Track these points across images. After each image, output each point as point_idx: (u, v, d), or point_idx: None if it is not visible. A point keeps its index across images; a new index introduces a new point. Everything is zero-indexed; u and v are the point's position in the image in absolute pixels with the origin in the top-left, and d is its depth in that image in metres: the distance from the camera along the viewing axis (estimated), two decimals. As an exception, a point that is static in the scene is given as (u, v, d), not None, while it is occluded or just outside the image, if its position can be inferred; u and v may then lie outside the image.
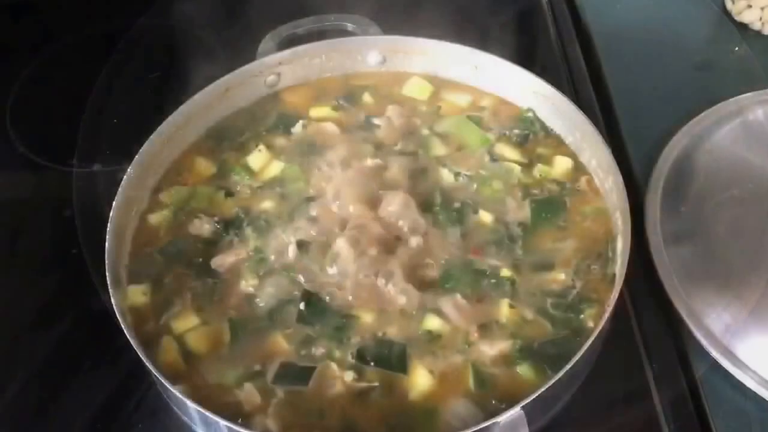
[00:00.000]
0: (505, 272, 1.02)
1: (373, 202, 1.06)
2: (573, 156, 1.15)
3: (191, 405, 0.89)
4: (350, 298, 1.00)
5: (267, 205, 1.11)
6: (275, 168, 1.16)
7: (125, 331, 0.94)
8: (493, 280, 1.02)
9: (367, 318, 0.99)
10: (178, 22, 1.53)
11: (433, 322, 0.98)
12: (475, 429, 0.85)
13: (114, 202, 1.04)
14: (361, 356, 0.96)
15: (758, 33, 1.47)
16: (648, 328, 1.10)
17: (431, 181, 1.13)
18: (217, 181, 1.16)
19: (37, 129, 1.39)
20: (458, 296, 1.00)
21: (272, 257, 1.05)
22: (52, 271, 1.19)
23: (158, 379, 0.91)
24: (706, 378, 1.04)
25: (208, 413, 0.87)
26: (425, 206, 1.08)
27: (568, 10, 1.54)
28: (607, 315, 0.94)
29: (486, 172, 1.14)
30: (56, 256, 1.21)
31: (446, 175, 1.13)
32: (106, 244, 1.00)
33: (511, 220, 1.08)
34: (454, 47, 1.23)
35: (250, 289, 1.03)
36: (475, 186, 1.12)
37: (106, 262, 0.99)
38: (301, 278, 1.02)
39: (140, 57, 1.51)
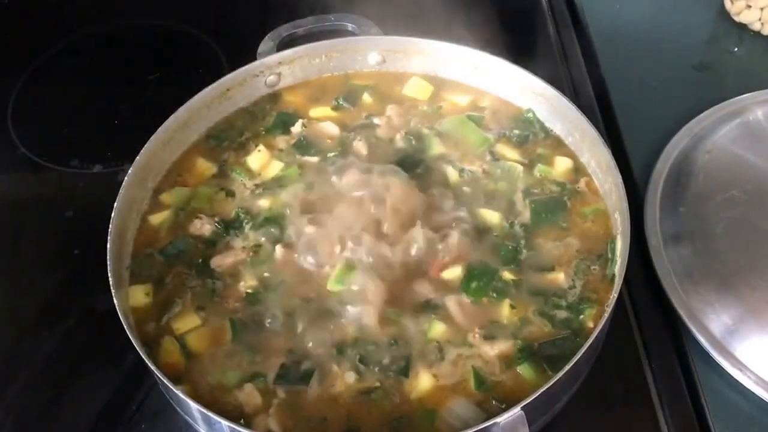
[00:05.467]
0: (506, 273, 1.03)
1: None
2: (573, 157, 1.16)
3: (193, 405, 0.89)
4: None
5: (267, 205, 1.11)
6: (275, 168, 1.16)
7: (127, 332, 0.94)
8: (494, 281, 1.02)
9: (367, 322, 0.99)
10: (178, 23, 1.54)
11: (437, 329, 0.98)
12: (476, 429, 0.85)
13: (115, 203, 1.04)
14: (362, 361, 0.96)
15: (757, 33, 1.47)
16: (647, 328, 1.10)
17: (436, 178, 1.13)
18: (217, 181, 1.16)
19: (39, 130, 1.40)
20: (463, 295, 1.01)
21: (271, 258, 1.05)
22: (53, 272, 1.20)
23: (160, 379, 0.91)
24: (705, 378, 1.04)
25: (210, 413, 0.88)
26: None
27: (568, 10, 1.55)
28: (606, 315, 0.94)
29: (489, 170, 1.14)
30: (58, 257, 1.21)
31: (451, 172, 1.14)
32: (108, 244, 1.00)
33: (514, 219, 1.08)
34: (454, 47, 1.23)
35: (249, 290, 1.03)
36: (479, 182, 1.12)
37: (108, 262, 0.99)
38: (299, 280, 1.03)
39: (140, 57, 1.51)
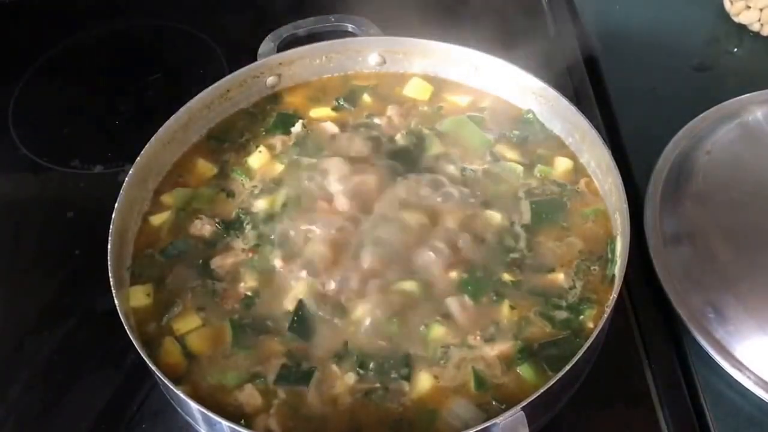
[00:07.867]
0: (507, 274, 1.03)
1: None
2: (573, 157, 1.16)
3: (194, 405, 0.89)
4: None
5: (267, 205, 1.11)
6: (275, 168, 1.16)
7: (128, 332, 0.94)
8: (495, 281, 1.02)
9: (367, 323, 0.99)
10: (179, 23, 1.54)
11: (437, 330, 0.98)
12: (476, 430, 0.85)
13: (116, 204, 1.05)
14: (363, 362, 0.96)
15: (757, 34, 1.47)
16: (647, 328, 1.10)
17: (436, 178, 1.13)
18: (217, 181, 1.16)
19: (40, 130, 1.40)
20: (466, 297, 1.01)
21: (270, 259, 1.05)
22: (54, 273, 1.20)
23: (161, 379, 0.91)
24: (705, 378, 1.05)
25: (210, 414, 0.88)
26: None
27: (568, 11, 1.55)
28: (606, 316, 0.94)
29: (490, 170, 1.14)
30: (59, 258, 1.21)
31: (451, 172, 1.14)
32: (109, 245, 1.00)
33: (515, 220, 1.08)
34: (454, 48, 1.23)
35: (249, 291, 1.03)
36: (480, 183, 1.12)
37: (109, 263, 0.99)
38: (299, 282, 1.03)
39: (140, 57, 1.52)
